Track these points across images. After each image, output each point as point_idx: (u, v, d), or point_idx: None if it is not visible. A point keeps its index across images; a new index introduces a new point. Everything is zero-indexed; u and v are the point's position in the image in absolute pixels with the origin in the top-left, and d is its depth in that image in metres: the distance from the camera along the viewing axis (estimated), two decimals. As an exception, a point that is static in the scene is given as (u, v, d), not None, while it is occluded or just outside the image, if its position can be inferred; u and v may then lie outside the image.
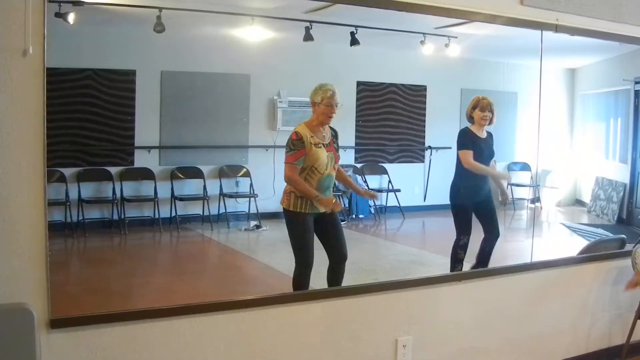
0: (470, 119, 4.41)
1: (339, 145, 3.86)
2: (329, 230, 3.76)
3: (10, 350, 2.28)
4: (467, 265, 4.43)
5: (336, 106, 3.65)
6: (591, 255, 4.01)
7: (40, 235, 2.39)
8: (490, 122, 4.39)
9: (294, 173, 3.61)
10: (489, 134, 4.49)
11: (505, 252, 5.15)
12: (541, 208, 7.70)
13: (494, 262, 4.42)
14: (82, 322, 2.52)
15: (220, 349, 2.83)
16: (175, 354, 2.72)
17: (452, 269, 4.36)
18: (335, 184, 3.87)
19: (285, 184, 3.70)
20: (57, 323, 2.44)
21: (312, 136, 3.63)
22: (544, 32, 3.65)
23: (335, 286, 3.62)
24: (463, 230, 4.41)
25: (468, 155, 4.35)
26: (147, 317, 2.65)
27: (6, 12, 2.26)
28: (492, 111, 4.35)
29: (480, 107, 4.34)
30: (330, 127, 3.75)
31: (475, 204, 4.44)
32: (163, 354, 2.69)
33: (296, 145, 3.60)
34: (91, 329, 2.53)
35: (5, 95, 2.29)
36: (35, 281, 2.39)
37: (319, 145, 3.63)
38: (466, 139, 4.39)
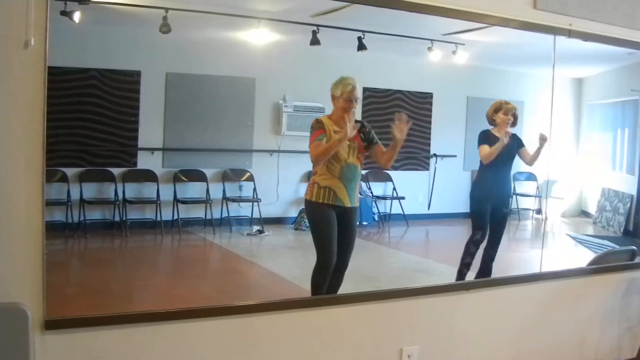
0: (492, 121, 4.53)
1: (371, 134, 3.69)
2: (343, 232, 3.64)
3: (3, 351, 2.22)
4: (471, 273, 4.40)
5: (355, 101, 3.59)
6: (601, 266, 3.94)
7: (36, 234, 2.32)
8: (513, 125, 4.53)
9: (318, 148, 3.50)
10: (513, 135, 4.54)
11: (510, 262, 5.11)
12: (542, 219, 7.63)
13: (500, 272, 4.37)
14: (77, 323, 2.45)
15: (221, 355, 2.76)
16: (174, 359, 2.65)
17: (462, 262, 4.43)
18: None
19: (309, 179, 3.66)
20: (52, 324, 2.38)
21: (332, 125, 3.58)
22: (555, 38, 3.59)
23: (332, 294, 3.52)
24: (478, 226, 4.51)
25: (482, 149, 4.48)
26: (146, 320, 2.58)
27: (8, 1, 2.20)
28: (514, 116, 4.50)
29: (504, 111, 4.48)
30: (357, 120, 3.60)
31: (492, 204, 4.53)
32: (161, 359, 2.62)
33: (314, 127, 3.57)
34: (87, 331, 2.47)
35: (4, 87, 2.22)
36: (31, 281, 2.32)
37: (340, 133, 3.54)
38: (483, 137, 4.51)
